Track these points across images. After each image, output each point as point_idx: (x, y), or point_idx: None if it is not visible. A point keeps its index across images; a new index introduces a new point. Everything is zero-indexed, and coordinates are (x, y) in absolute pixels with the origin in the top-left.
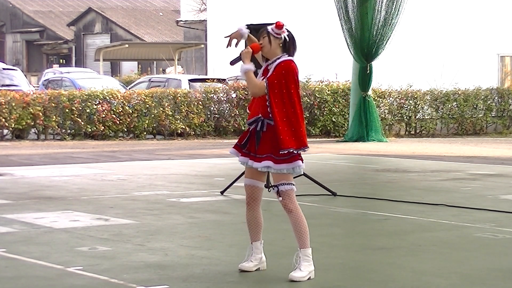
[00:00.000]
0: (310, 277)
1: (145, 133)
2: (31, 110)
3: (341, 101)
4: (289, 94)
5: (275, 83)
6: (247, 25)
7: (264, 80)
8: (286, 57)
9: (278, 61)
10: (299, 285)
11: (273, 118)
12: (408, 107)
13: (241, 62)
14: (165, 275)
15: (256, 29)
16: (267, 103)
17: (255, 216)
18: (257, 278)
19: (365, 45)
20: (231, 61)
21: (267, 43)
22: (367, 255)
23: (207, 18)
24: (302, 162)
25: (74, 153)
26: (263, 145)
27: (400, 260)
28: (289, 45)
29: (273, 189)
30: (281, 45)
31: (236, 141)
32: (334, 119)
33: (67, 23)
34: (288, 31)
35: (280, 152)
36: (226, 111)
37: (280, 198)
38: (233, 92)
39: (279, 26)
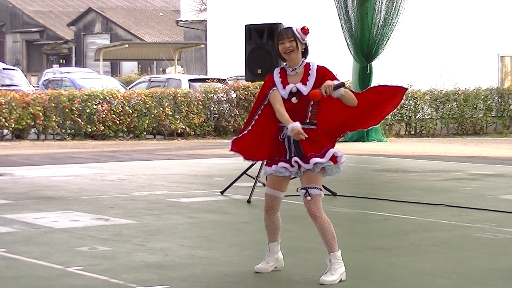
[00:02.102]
0: (341, 279)
1: (145, 133)
2: (31, 110)
3: None
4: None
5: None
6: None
7: (342, 91)
8: (308, 62)
9: (313, 67)
10: (299, 285)
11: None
12: (408, 107)
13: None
14: (165, 275)
15: (257, 29)
16: (309, 111)
17: (273, 221)
18: (257, 278)
19: (365, 45)
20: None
21: (295, 48)
22: (367, 255)
23: (207, 18)
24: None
25: (74, 153)
26: (305, 147)
27: (400, 260)
28: (308, 50)
29: (302, 190)
30: (303, 50)
31: None
32: None
33: (67, 23)
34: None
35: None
36: (226, 111)
37: (309, 198)
38: (233, 92)
39: (305, 32)
